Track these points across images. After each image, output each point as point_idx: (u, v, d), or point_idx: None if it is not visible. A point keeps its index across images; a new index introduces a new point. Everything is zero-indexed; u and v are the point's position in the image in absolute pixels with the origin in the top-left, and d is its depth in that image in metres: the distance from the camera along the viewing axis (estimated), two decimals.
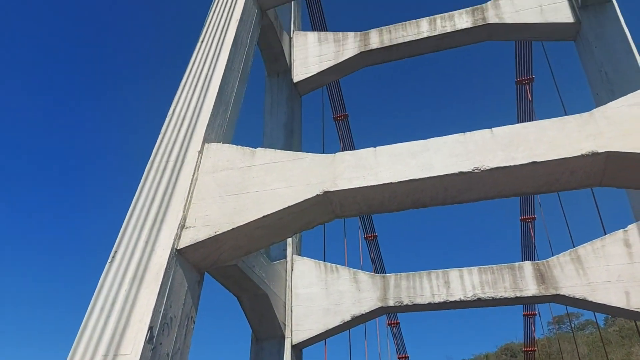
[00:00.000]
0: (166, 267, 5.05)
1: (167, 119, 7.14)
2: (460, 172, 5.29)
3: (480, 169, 5.24)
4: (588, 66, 10.10)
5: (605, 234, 8.69)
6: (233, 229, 5.45)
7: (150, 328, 4.62)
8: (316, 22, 16.09)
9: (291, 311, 9.09)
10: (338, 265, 9.63)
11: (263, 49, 11.79)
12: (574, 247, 8.64)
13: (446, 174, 5.33)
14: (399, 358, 27.42)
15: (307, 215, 5.79)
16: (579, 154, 4.96)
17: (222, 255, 5.72)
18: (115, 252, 5.37)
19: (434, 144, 5.67)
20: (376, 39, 11.97)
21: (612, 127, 5.05)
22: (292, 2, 13.04)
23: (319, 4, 16.12)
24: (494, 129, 5.57)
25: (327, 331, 8.86)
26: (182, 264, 5.39)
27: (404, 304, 8.80)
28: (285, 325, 8.89)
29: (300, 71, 12.47)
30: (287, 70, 12.36)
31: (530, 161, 5.10)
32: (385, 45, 11.91)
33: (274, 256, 9.71)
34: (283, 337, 8.75)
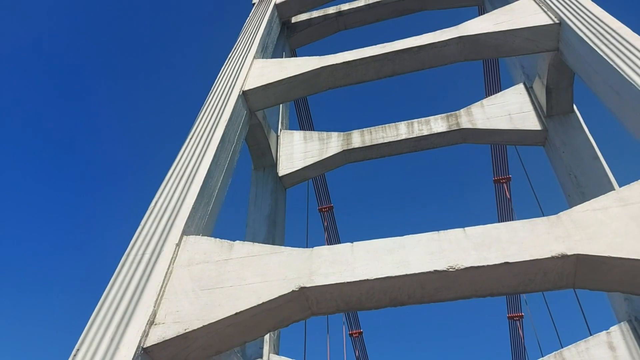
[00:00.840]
0: None
1: (148, 212, 7.20)
2: (436, 271, 5.33)
3: (455, 268, 5.28)
4: (558, 170, 10.65)
5: (590, 334, 8.52)
6: (204, 326, 5.26)
7: None
8: (303, 121, 17.03)
9: None
10: None
11: (251, 145, 12.31)
12: (561, 347, 8.39)
13: (422, 272, 5.36)
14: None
15: (282, 312, 5.64)
16: (549, 256, 5.07)
17: (190, 354, 5.45)
18: (78, 349, 5.09)
19: (410, 241, 5.76)
20: (358, 138, 12.63)
21: (578, 231, 5.23)
22: (281, 104, 13.91)
23: (306, 105, 17.19)
24: (466, 228, 5.72)
25: None
26: None
27: None
28: None
29: (286, 166, 12.92)
30: (273, 165, 12.81)
31: (503, 261, 5.18)
32: (366, 144, 12.56)
33: (249, 354, 9.22)
34: None
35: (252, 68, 10.71)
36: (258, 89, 10.06)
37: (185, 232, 6.69)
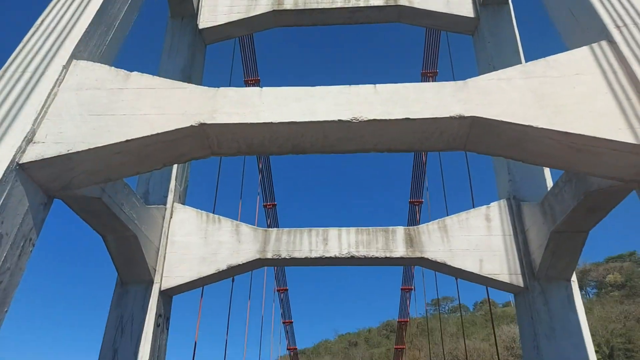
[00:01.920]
0: (0, 180, 4.43)
1: (33, 29, 6.25)
2: (340, 120, 5.31)
3: (358, 120, 5.30)
4: (480, 60, 10.83)
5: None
6: (89, 149, 4.93)
7: None
8: None
9: (164, 257, 8.68)
10: (221, 217, 9.37)
11: None
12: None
13: (326, 120, 5.32)
14: (283, 322, 28.12)
15: (179, 147, 5.44)
16: (449, 115, 5.22)
17: (75, 178, 5.17)
18: None
19: (319, 92, 5.62)
20: (290, 0, 11.64)
21: (480, 96, 5.38)
22: None
23: None
24: (377, 85, 5.66)
25: (200, 279, 8.62)
26: (24, 180, 4.77)
27: (282, 257, 8.85)
28: (155, 270, 8.48)
29: (208, 18, 11.74)
30: (194, 15, 11.58)
31: (405, 117, 5.27)
32: (299, 8, 11.64)
33: (152, 201, 9.16)
34: (151, 282, 8.34)
35: None
36: None
37: (76, 56, 5.96)
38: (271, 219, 25.81)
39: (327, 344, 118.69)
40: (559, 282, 8.25)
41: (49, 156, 4.80)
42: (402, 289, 26.63)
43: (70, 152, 4.86)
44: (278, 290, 26.34)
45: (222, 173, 12.97)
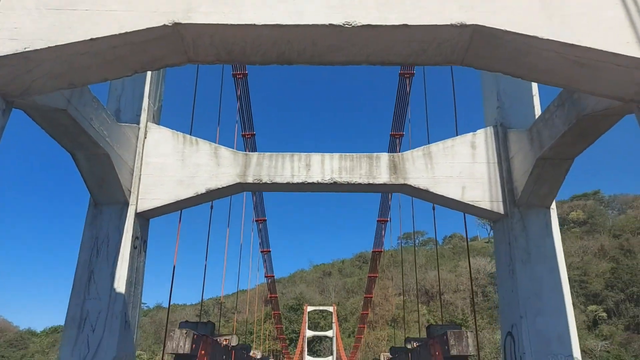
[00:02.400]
0: None
1: None
2: (331, 25, 4.83)
3: (351, 24, 4.82)
4: None
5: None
6: (50, 47, 4.36)
7: None
8: None
9: (139, 179, 8.31)
10: (199, 139, 8.94)
11: None
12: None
13: (316, 24, 4.83)
14: (261, 251, 28.63)
15: (151, 51, 4.89)
16: (449, 23, 4.81)
17: (35, 82, 4.63)
18: None
19: None
20: None
21: (484, 3, 4.94)
22: None
23: None
24: None
25: (178, 202, 8.35)
26: None
27: (263, 182, 8.60)
28: (130, 192, 8.13)
29: None
30: None
31: (402, 23, 4.82)
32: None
33: (124, 120, 8.60)
34: (126, 204, 8.03)
35: None
36: None
37: None
38: (250, 150, 25.39)
39: (303, 273, 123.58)
40: (539, 210, 8.34)
41: (3, 54, 4.23)
42: (378, 221, 27.25)
43: (27, 50, 4.29)
44: (256, 221, 26.57)
45: (198, 98, 12.31)
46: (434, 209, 14.80)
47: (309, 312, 74.88)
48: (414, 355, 12.49)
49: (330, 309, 76.61)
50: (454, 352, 9.29)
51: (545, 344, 7.58)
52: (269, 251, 29.31)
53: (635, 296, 64.50)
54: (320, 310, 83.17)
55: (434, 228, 15.19)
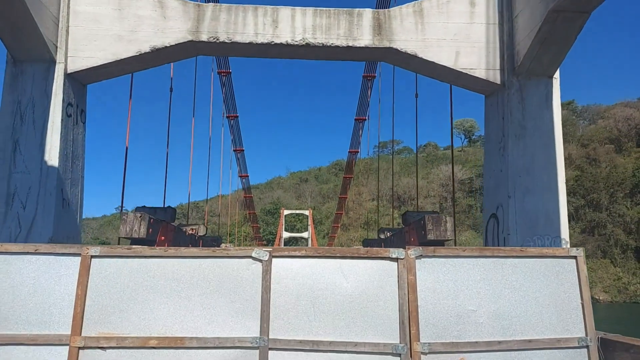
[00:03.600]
0: None
1: None
2: None
3: None
4: None
5: None
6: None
7: None
8: None
9: (67, 31, 6.77)
10: None
11: None
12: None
13: None
14: (234, 150, 27.52)
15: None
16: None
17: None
18: None
19: None
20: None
21: None
22: None
23: None
24: None
25: (117, 62, 6.93)
26: None
27: (220, 40, 7.18)
28: (57, 47, 6.64)
29: None
30: None
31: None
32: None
33: None
34: (53, 62, 6.59)
35: None
36: None
37: None
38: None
39: (280, 180, 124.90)
40: (540, 79, 7.31)
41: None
42: (356, 119, 26.15)
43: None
44: (228, 117, 25.11)
45: None
46: (416, 96, 13.71)
47: (285, 216, 76.61)
48: (387, 244, 12.19)
49: (307, 212, 78.52)
50: (431, 237, 8.74)
51: (532, 225, 7.03)
52: (242, 150, 28.30)
53: (595, 202, 67.76)
54: (297, 214, 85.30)
55: (415, 117, 14.18)
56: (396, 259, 3.99)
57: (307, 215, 76.27)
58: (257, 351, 3.73)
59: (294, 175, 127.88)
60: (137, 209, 9.20)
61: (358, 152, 29.97)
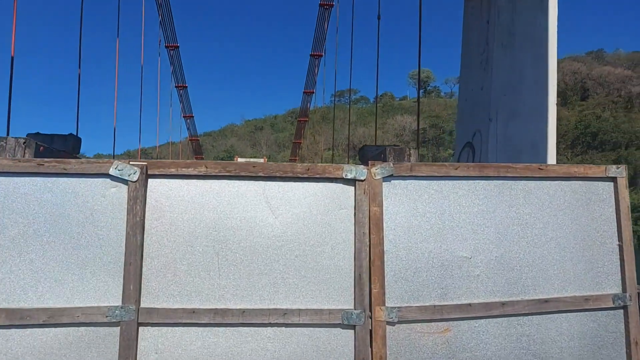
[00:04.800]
0: None
1: None
2: None
3: None
4: None
5: None
6: None
7: None
8: None
9: None
10: None
11: None
12: None
13: None
14: (184, 116, 24.98)
15: None
16: None
17: None
18: None
19: None
20: None
21: None
22: None
23: None
24: None
25: None
26: None
27: None
28: None
29: None
30: None
31: None
32: None
33: None
34: None
35: None
36: None
37: None
38: None
39: (234, 127, 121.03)
40: None
41: None
42: (311, 55, 24.07)
43: None
44: (177, 87, 22.79)
45: None
46: (379, 17, 11.98)
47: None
48: None
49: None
50: None
51: (514, 156, 5.80)
52: (185, 87, 25.73)
53: None
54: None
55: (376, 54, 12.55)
56: (353, 181, 2.53)
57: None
58: (117, 329, 2.23)
59: (249, 123, 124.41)
60: (29, 135, 7.22)
61: (314, 92, 28.11)
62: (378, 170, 2.55)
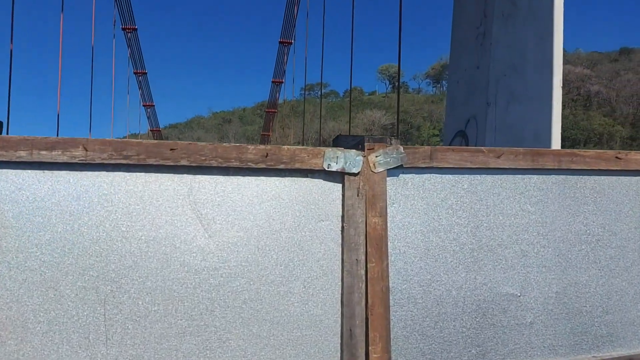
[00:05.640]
0: None
1: None
2: None
3: None
4: None
5: None
6: None
7: None
8: None
9: None
10: None
11: None
12: None
13: None
14: (144, 105, 23.31)
15: None
16: None
17: None
18: None
19: None
20: None
21: None
22: None
23: None
24: None
25: None
26: None
27: None
28: None
29: None
30: None
31: None
32: None
33: None
34: None
35: None
36: None
37: None
38: None
39: (201, 120, 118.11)
40: None
41: None
42: (280, 42, 22.91)
43: None
44: (135, 73, 21.17)
45: None
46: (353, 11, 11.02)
47: None
48: None
49: None
50: None
51: (514, 144, 4.98)
52: (145, 73, 24.08)
53: None
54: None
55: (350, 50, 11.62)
56: (340, 176, 1.55)
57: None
58: None
59: (217, 116, 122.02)
60: None
61: (283, 82, 26.96)
62: (380, 158, 1.57)
